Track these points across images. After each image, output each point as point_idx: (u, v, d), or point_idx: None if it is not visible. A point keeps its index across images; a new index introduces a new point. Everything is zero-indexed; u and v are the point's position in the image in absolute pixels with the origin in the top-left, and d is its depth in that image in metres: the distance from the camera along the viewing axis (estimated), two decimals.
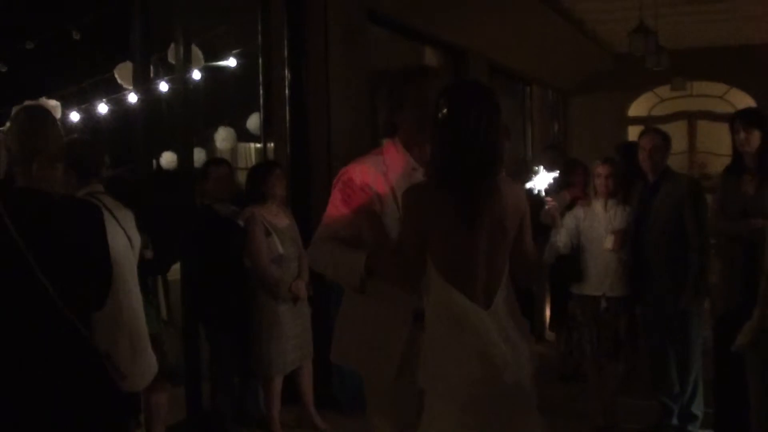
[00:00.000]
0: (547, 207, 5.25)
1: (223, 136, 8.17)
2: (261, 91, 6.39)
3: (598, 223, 5.36)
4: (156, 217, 4.95)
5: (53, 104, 8.05)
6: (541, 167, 4.89)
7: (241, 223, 5.31)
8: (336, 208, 3.00)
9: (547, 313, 7.66)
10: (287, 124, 6.22)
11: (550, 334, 7.60)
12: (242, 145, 9.40)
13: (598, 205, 5.40)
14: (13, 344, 2.65)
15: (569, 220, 5.43)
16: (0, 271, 2.65)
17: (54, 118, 2.94)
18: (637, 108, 14.64)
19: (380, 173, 2.96)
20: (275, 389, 5.39)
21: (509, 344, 2.69)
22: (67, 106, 8.54)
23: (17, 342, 2.65)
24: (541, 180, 4.95)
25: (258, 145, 8.15)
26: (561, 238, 5.36)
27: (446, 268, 2.67)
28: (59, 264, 2.69)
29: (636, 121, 14.16)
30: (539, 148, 11.80)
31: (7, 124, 2.99)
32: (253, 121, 7.39)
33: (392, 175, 2.96)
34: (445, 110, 2.68)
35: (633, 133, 13.64)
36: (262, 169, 5.58)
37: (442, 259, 2.68)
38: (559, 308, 6.63)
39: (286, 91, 6.24)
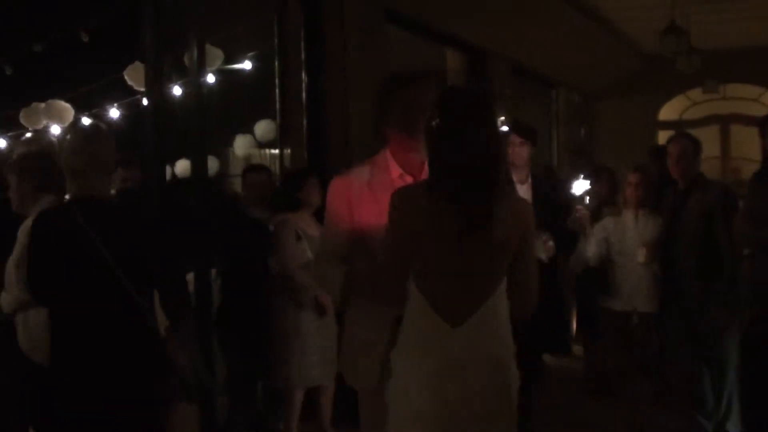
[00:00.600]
0: (577, 215, 5.27)
1: (242, 144, 8.22)
2: (277, 96, 6.46)
3: (629, 235, 5.35)
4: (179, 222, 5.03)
5: (64, 106, 8.15)
6: (580, 175, 4.95)
7: (270, 227, 5.40)
8: (326, 222, 3.14)
9: (573, 325, 7.67)
10: (304, 130, 6.27)
11: (577, 348, 7.60)
12: (257, 152, 9.47)
13: (628, 216, 5.39)
14: (100, 327, 3.28)
15: (598, 231, 5.41)
16: (86, 270, 3.24)
17: (106, 133, 3.50)
18: (668, 112, 14.62)
19: (364, 183, 3.02)
20: (294, 403, 5.41)
21: (477, 368, 2.65)
22: (76, 110, 8.63)
23: (104, 325, 3.29)
24: (579, 187, 5.00)
25: (273, 152, 8.19)
26: (591, 249, 5.36)
27: (424, 279, 2.67)
28: (130, 261, 3.29)
29: (667, 125, 14.14)
30: (565, 154, 11.82)
31: (64, 137, 3.58)
32: (262, 128, 7.43)
33: (376, 183, 3.01)
34: (438, 119, 2.65)
35: (663, 137, 13.59)
36: (297, 175, 5.66)
37: (423, 268, 2.67)
38: (587, 321, 6.63)
39: (303, 95, 6.29)
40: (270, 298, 5.39)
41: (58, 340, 3.30)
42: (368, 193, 3.00)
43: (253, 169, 5.87)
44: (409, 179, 2.99)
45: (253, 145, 8.20)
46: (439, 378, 2.63)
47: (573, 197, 5.28)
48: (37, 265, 3.31)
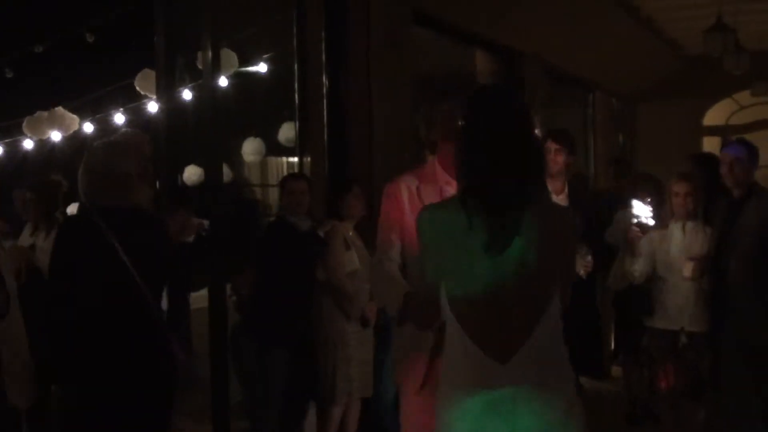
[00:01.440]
0: (630, 235, 5.28)
1: (250, 149, 8.27)
2: (296, 100, 6.48)
3: (676, 248, 5.33)
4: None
5: (68, 115, 8.23)
6: (637, 201, 5.04)
7: (321, 233, 5.49)
8: (381, 227, 3.31)
9: (612, 346, 7.65)
10: (325, 137, 6.29)
11: (616, 370, 7.57)
12: (273, 160, 9.52)
13: (675, 228, 5.37)
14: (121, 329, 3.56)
15: (644, 245, 5.39)
16: (108, 275, 3.53)
17: (123, 145, 3.86)
18: (714, 116, 14.54)
19: (414, 190, 3.22)
20: (333, 418, 5.54)
21: (528, 405, 2.54)
22: (81, 117, 8.72)
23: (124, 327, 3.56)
24: (640, 210, 5.04)
25: (292, 159, 8.24)
26: (638, 267, 5.34)
27: (460, 308, 2.56)
28: (149, 268, 3.59)
29: (712, 130, 14.07)
30: (603, 161, 11.78)
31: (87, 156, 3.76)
32: (286, 132, 7.48)
33: (424, 191, 3.20)
34: (467, 117, 2.62)
35: (709, 144, 13.55)
36: (339, 186, 5.76)
37: (458, 295, 2.56)
38: (628, 340, 6.60)
39: (324, 100, 6.30)
40: (316, 308, 5.49)
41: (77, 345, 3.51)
42: (417, 201, 3.15)
43: (292, 177, 5.97)
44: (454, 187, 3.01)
45: (263, 150, 8.21)
46: (487, 417, 2.54)
47: (630, 217, 5.31)
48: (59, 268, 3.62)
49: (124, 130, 5.42)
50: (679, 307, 5.29)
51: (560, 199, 5.30)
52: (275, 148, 8.47)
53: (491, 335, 2.52)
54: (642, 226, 5.27)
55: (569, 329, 4.93)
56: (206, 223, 4.52)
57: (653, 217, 5.29)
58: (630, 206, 5.38)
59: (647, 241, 5.39)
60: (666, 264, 5.35)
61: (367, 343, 5.61)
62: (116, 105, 8.58)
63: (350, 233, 5.61)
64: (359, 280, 5.48)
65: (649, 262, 5.36)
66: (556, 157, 5.33)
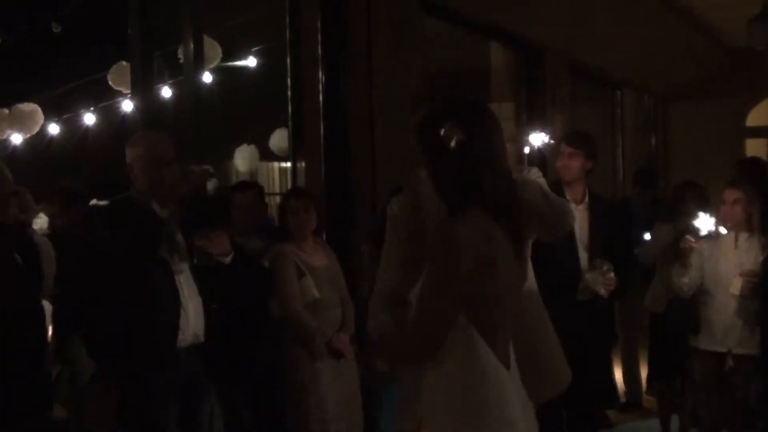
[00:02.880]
0: (684, 245, 5.26)
1: (243, 155, 8.30)
2: (289, 98, 6.48)
3: (726, 262, 5.32)
4: None
5: (31, 109, 8.23)
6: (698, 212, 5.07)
7: (265, 263, 5.38)
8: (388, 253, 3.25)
9: (644, 372, 7.63)
10: (321, 139, 6.29)
11: (649, 401, 7.56)
12: (264, 165, 9.51)
13: (726, 240, 5.37)
14: None
15: (693, 256, 5.38)
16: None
17: None
18: (759, 116, 14.52)
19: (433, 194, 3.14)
20: None
21: (527, 416, 2.75)
22: (46, 115, 8.71)
23: None
24: (704, 224, 5.05)
25: (284, 165, 8.25)
26: (688, 280, 5.32)
27: (482, 318, 2.71)
28: None
29: (756, 132, 14.07)
30: (632, 166, 11.79)
31: None
32: (277, 139, 7.49)
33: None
34: (468, 135, 2.75)
35: (752, 147, 13.56)
36: (286, 196, 5.66)
37: (482, 306, 2.71)
38: (664, 364, 6.59)
39: (320, 98, 6.30)
40: (275, 347, 5.39)
41: None
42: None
43: (239, 187, 5.87)
44: None
45: (256, 157, 8.24)
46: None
47: (691, 230, 5.31)
48: None
49: None
50: (725, 326, 5.27)
51: (580, 209, 5.30)
52: (265, 154, 8.48)
53: (500, 339, 2.72)
54: (695, 235, 5.26)
55: (585, 355, 4.97)
56: (211, 169, 4.46)
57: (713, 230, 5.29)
58: (688, 217, 5.36)
59: (696, 253, 5.39)
60: (714, 278, 5.34)
61: (347, 376, 5.36)
62: (86, 103, 8.57)
63: (307, 254, 5.39)
64: (323, 308, 5.33)
65: (699, 275, 5.36)
66: (569, 162, 5.33)
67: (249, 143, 7.99)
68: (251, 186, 5.90)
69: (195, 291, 4.33)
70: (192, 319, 4.26)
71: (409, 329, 2.86)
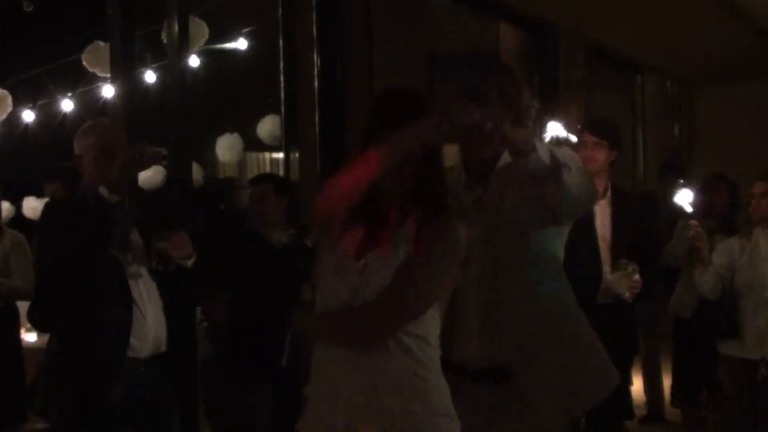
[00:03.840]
0: (689, 233, 5.23)
1: (226, 145, 8.21)
2: (282, 83, 6.47)
3: (760, 261, 5.29)
4: None
5: (1, 94, 8.20)
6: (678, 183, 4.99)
7: (308, 242, 5.45)
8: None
9: (667, 382, 7.62)
10: (317, 127, 6.28)
11: (672, 412, 7.55)
12: (254, 156, 9.49)
13: (761, 238, 5.34)
14: None
15: (720, 255, 5.35)
16: None
17: None
18: None
19: None
20: None
21: None
22: (17, 101, 8.68)
23: None
24: (682, 198, 5.00)
25: (276, 155, 8.22)
26: (707, 279, 5.29)
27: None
28: None
29: None
30: (654, 158, 11.78)
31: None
32: (267, 127, 7.44)
33: None
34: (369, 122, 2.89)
35: None
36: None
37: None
38: (690, 373, 6.59)
39: (315, 82, 6.30)
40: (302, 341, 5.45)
41: None
42: None
43: (252, 180, 5.92)
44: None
45: (241, 147, 8.17)
46: None
47: (677, 212, 5.28)
48: None
49: None
50: (760, 331, 5.22)
51: (602, 204, 5.29)
52: (256, 142, 8.44)
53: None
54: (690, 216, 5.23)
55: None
56: (164, 151, 4.43)
57: (698, 203, 5.26)
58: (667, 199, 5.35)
59: (725, 250, 5.36)
60: (746, 279, 5.30)
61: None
62: (63, 88, 8.54)
63: None
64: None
65: (727, 275, 5.32)
66: (594, 153, 5.31)
67: (231, 132, 7.90)
68: (264, 178, 5.94)
69: (156, 296, 4.29)
70: (152, 326, 4.22)
71: (375, 304, 2.86)
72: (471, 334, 3.27)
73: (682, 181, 8.16)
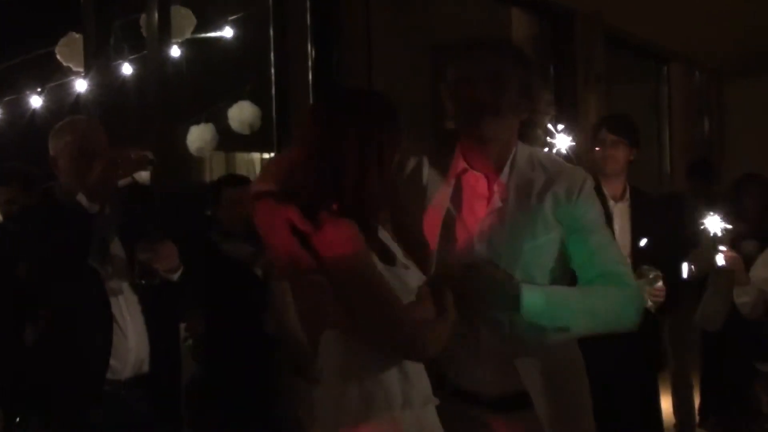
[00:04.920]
0: (723, 261, 5.25)
1: (197, 136, 8.05)
2: (272, 76, 6.50)
3: None
4: None
5: None
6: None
7: (258, 271, 5.40)
8: None
9: (697, 401, 7.65)
10: None
11: None
12: (242, 157, 9.49)
13: None
14: None
15: (761, 268, 5.37)
16: None
17: None
18: None
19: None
20: None
21: None
22: None
23: None
24: (712, 224, 5.03)
25: (267, 156, 8.21)
26: (748, 298, 5.31)
27: None
28: None
29: None
30: (681, 156, 11.79)
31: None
32: (238, 113, 7.38)
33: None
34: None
35: None
36: None
37: None
38: (721, 392, 6.60)
39: (309, 75, 6.31)
40: (272, 369, 5.41)
41: None
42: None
43: (227, 181, 5.89)
44: (476, 176, 3.29)
45: (214, 139, 8.05)
46: None
47: (702, 232, 5.30)
48: None
49: None
50: None
51: (621, 207, 5.32)
52: (242, 141, 8.42)
53: None
54: (723, 242, 5.26)
55: (627, 380, 4.98)
56: (150, 155, 4.36)
57: (731, 231, 5.29)
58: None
59: (763, 263, 5.38)
60: None
61: None
62: (32, 83, 8.54)
63: None
64: None
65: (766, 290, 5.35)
66: (612, 152, 5.35)
67: (205, 122, 7.81)
68: (242, 180, 5.91)
69: (138, 313, 4.27)
70: (133, 345, 4.20)
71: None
72: (482, 358, 3.23)
73: (711, 183, 8.22)
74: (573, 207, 3.15)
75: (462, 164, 3.29)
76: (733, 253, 5.27)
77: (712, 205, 6.19)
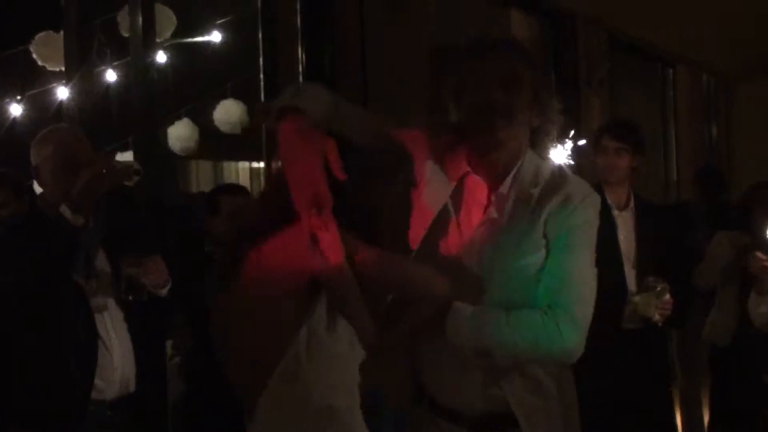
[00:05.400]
0: (758, 264, 5.23)
1: (177, 134, 7.96)
2: (261, 82, 6.49)
3: None
4: None
5: None
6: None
7: None
8: None
9: (706, 417, 7.64)
10: None
11: None
12: (231, 166, 9.49)
13: None
14: None
15: None
16: None
17: None
18: None
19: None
20: None
21: None
22: None
23: None
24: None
25: (256, 165, 8.21)
26: (764, 311, 5.30)
27: None
28: None
29: None
30: (688, 162, 11.80)
31: None
32: (224, 112, 7.37)
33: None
34: None
35: None
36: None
37: None
38: (731, 408, 6.59)
39: (300, 80, 6.31)
40: None
41: None
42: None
43: (227, 190, 5.89)
44: (477, 181, 3.22)
45: (194, 133, 7.99)
46: None
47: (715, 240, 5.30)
48: None
49: None
50: None
51: (624, 216, 5.32)
52: (230, 149, 8.42)
53: None
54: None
55: (635, 397, 4.96)
56: (137, 165, 4.31)
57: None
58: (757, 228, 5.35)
59: None
60: None
61: None
62: (10, 88, 8.51)
63: None
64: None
65: None
66: (616, 160, 5.36)
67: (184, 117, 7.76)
68: (240, 189, 5.91)
69: (124, 330, 4.26)
70: (119, 364, 4.19)
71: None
72: (465, 372, 3.14)
73: (719, 191, 8.22)
74: (564, 218, 3.07)
75: (465, 167, 3.22)
76: (765, 260, 5.24)
77: (721, 215, 6.21)
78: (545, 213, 3.07)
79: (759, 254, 5.21)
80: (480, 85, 3.07)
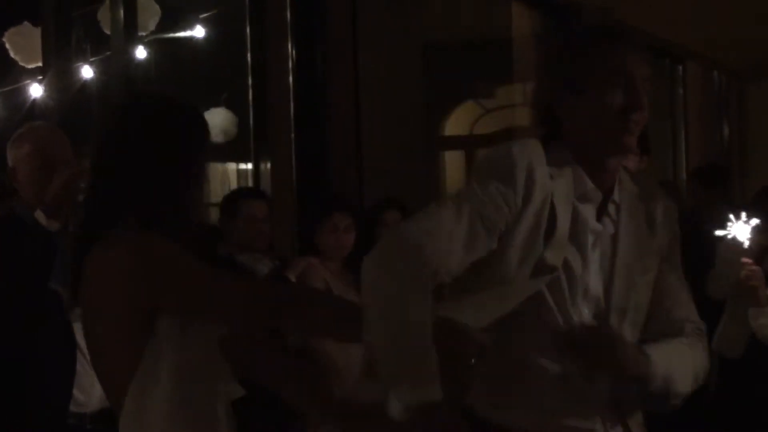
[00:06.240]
0: (744, 273, 5.26)
1: None
2: (249, 79, 6.53)
3: None
4: None
5: None
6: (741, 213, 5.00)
7: (292, 277, 5.46)
8: None
9: None
10: (292, 132, 6.30)
11: None
12: (218, 167, 9.49)
13: None
14: None
15: None
16: None
17: None
18: None
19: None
20: None
21: None
22: None
23: None
24: (740, 231, 5.01)
25: (244, 167, 8.23)
26: (766, 320, 5.31)
27: None
28: None
29: None
30: (699, 163, 11.83)
31: None
32: (210, 118, 7.43)
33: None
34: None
35: None
36: (315, 208, 5.77)
37: None
38: (737, 419, 6.64)
39: (289, 78, 6.33)
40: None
41: None
42: None
43: (244, 194, 5.94)
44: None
45: None
46: None
47: (724, 244, 5.31)
48: None
49: None
50: None
51: None
52: (218, 151, 8.44)
53: None
54: (745, 253, 5.28)
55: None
56: None
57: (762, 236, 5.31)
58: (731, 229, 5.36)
59: None
60: None
61: None
62: None
63: (332, 278, 5.51)
64: (351, 345, 5.39)
65: None
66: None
67: None
68: (260, 194, 5.95)
69: None
70: None
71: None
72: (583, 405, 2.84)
73: (730, 192, 8.24)
74: (667, 233, 3.00)
75: (588, 185, 2.85)
76: (755, 267, 5.27)
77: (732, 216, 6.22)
78: (655, 223, 2.98)
79: (745, 260, 5.22)
80: (630, 83, 2.83)
